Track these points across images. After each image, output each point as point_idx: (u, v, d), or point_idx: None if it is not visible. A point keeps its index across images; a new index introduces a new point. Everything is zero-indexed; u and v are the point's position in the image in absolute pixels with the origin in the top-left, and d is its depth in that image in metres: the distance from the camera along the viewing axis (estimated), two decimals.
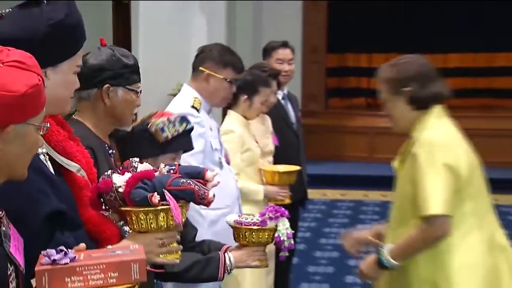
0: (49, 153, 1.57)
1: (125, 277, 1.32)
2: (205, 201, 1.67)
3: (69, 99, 1.68)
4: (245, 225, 2.17)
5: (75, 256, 1.34)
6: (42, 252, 1.33)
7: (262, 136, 3.67)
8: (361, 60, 10.83)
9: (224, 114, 3.67)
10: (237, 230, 2.19)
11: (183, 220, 1.65)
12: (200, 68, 3.09)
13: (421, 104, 2.51)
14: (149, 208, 1.60)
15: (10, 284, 1.25)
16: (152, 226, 1.62)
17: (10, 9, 1.59)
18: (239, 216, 2.26)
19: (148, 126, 1.96)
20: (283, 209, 2.21)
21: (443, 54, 10.78)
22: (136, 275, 1.33)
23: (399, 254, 2.41)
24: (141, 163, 1.75)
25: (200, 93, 3.09)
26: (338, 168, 9.14)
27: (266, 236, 2.18)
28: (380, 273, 2.51)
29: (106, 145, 2.07)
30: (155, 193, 1.60)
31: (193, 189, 1.65)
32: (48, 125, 1.42)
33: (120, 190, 1.62)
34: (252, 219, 2.20)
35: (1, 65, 1.25)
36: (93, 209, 1.64)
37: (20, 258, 1.31)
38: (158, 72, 6.25)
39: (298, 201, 4.03)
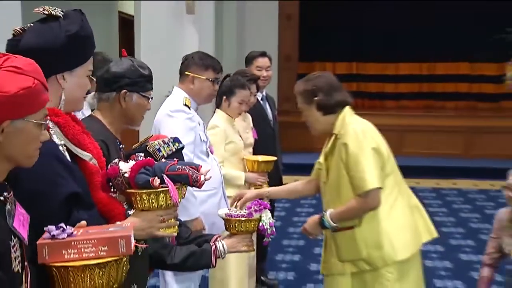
0: (66, 144, 1.56)
1: (114, 251, 1.32)
2: (197, 184, 1.67)
3: (83, 98, 1.69)
4: (234, 217, 2.17)
5: (73, 232, 1.33)
6: (44, 228, 1.33)
7: (243, 131, 3.67)
8: (326, 68, 10.82)
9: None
10: (228, 221, 2.18)
11: (180, 199, 1.65)
12: (186, 72, 3.09)
13: (329, 110, 2.62)
14: (151, 190, 1.60)
15: (14, 253, 1.24)
16: (153, 205, 1.62)
17: (31, 24, 1.58)
18: (229, 209, 2.28)
19: (147, 147, 1.97)
20: (265, 202, 2.23)
21: (395, 63, 11.02)
22: (123, 249, 1.32)
23: (337, 217, 2.56)
24: None
25: (188, 93, 3.08)
26: (308, 158, 9.01)
27: (253, 226, 2.17)
28: (321, 231, 2.65)
29: (117, 140, 2.06)
30: (156, 177, 1.60)
31: (187, 173, 1.65)
32: (48, 122, 1.40)
33: (126, 175, 1.61)
34: (240, 212, 2.21)
35: None
36: (103, 191, 1.63)
37: (24, 232, 1.29)
38: (157, 77, 6.18)
39: (274, 186, 4.03)
